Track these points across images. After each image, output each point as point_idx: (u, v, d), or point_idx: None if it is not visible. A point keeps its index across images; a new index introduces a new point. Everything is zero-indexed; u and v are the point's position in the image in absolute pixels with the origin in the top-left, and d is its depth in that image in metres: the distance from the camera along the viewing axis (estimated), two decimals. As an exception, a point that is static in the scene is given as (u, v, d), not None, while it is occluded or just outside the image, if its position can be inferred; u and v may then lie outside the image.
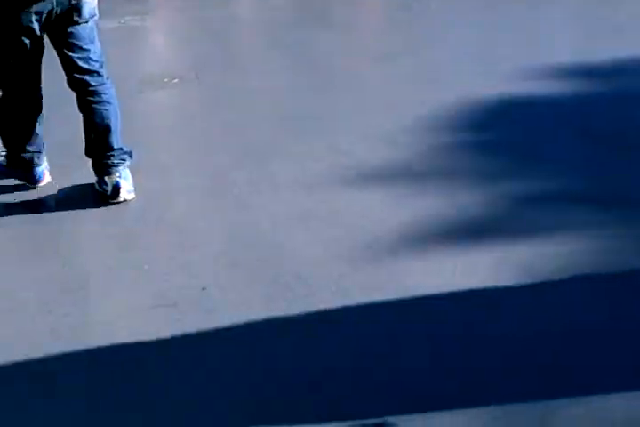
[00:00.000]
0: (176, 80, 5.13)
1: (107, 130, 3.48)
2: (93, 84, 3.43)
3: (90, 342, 2.53)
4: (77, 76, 3.41)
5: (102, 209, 3.52)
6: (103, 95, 3.46)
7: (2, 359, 2.48)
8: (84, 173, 3.62)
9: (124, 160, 3.55)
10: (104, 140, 3.50)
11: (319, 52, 5.67)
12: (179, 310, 2.66)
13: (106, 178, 3.50)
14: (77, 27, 3.33)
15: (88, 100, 3.45)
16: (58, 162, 3.77)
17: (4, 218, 3.49)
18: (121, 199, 3.47)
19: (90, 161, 3.57)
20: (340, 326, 2.55)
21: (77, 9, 3.28)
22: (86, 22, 3.34)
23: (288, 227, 3.21)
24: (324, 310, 2.61)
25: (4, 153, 3.72)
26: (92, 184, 3.57)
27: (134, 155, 3.59)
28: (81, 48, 3.37)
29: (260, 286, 2.78)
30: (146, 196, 3.56)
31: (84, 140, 3.55)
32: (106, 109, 3.47)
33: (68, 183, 3.71)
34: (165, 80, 5.15)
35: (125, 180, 3.50)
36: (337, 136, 4.09)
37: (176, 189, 3.65)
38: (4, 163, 3.73)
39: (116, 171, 3.50)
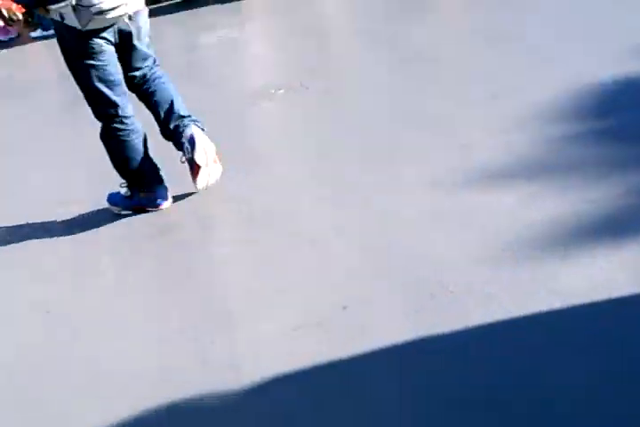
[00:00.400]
0: (282, 90, 5.13)
1: (170, 102, 3.68)
2: (148, 74, 3.72)
3: (241, 369, 2.53)
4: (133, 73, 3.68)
5: (231, 230, 3.54)
6: (155, 74, 3.73)
7: (155, 394, 2.50)
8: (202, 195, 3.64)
9: (194, 121, 3.71)
10: (171, 111, 3.68)
11: (421, 43, 5.54)
12: (324, 330, 2.63)
13: (182, 139, 3.65)
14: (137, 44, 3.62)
15: (145, 83, 3.72)
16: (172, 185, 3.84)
17: (139, 245, 3.55)
18: (202, 159, 3.64)
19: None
20: (496, 336, 2.45)
21: (137, 34, 3.56)
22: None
23: (421, 230, 3.13)
24: (474, 322, 2.51)
25: (125, 184, 3.78)
26: (216, 206, 3.58)
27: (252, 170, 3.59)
28: (141, 58, 3.67)
29: (403, 298, 2.72)
30: (274, 210, 3.55)
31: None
32: (163, 83, 3.72)
33: (190, 204, 3.76)
34: (272, 91, 5.15)
35: (200, 135, 3.65)
36: (458, 131, 3.98)
37: (304, 200, 3.63)
38: (128, 193, 3.79)
39: (189, 128, 3.66)
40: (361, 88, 4.94)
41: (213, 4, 8.08)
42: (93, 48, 3.43)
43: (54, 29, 3.53)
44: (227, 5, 7.93)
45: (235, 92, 5.38)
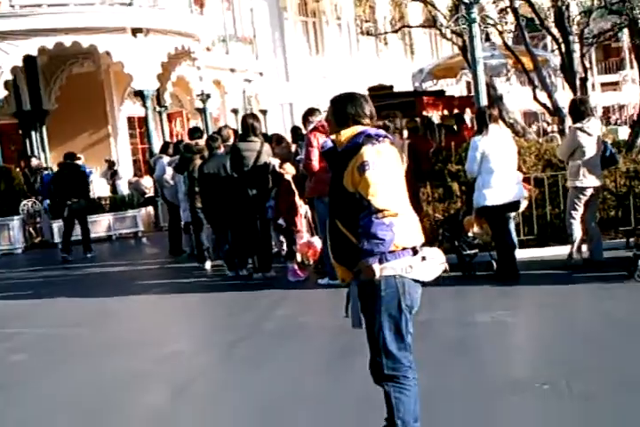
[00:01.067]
0: (546, 386, 5.07)
1: None
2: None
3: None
4: None
5: None
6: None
7: None
8: None
9: None
10: None
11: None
12: None
13: None
14: None
15: None
16: None
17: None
18: None
19: None
20: None
21: None
22: None
23: None
24: None
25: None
26: None
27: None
28: None
29: None
30: None
31: None
32: None
33: None
34: (536, 385, 5.10)
35: None
36: None
37: None
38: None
39: None
40: (628, 397, 4.77)
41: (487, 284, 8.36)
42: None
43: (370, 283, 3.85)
44: (503, 288, 8.16)
45: (494, 377, 5.39)
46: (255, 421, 4.98)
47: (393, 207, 3.76)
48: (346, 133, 3.95)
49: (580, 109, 8.76)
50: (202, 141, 11.79)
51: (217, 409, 5.34)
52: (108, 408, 5.47)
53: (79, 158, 15.75)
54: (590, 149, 8.58)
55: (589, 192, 8.64)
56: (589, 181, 8.59)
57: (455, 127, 17.06)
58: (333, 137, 4.00)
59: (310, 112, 9.81)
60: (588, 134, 8.56)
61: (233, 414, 5.18)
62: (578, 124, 8.65)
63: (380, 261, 3.77)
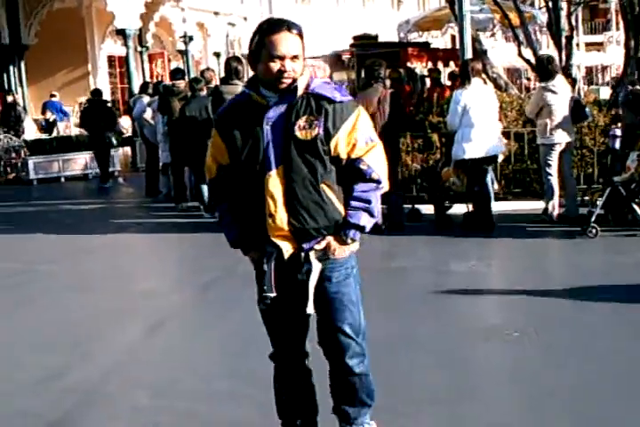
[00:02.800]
0: (516, 334, 5.18)
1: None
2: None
3: None
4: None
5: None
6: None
7: None
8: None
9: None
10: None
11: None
12: None
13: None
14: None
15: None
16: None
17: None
18: None
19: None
20: None
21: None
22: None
23: None
24: None
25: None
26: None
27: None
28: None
29: None
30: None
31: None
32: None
33: None
34: (506, 332, 5.21)
35: None
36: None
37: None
38: None
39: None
40: (588, 346, 4.88)
41: (463, 235, 8.46)
42: None
43: None
44: (478, 239, 8.26)
45: (469, 325, 5.49)
46: (226, 360, 5.04)
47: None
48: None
49: (547, 68, 8.78)
50: (183, 83, 11.69)
51: (189, 347, 5.39)
52: (82, 344, 5.50)
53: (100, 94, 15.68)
54: (558, 107, 8.63)
55: (559, 148, 8.71)
56: (558, 137, 8.66)
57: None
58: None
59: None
60: (554, 93, 8.60)
61: (205, 352, 5.24)
62: (543, 84, 8.69)
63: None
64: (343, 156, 3.28)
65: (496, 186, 9.29)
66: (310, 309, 3.32)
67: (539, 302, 5.99)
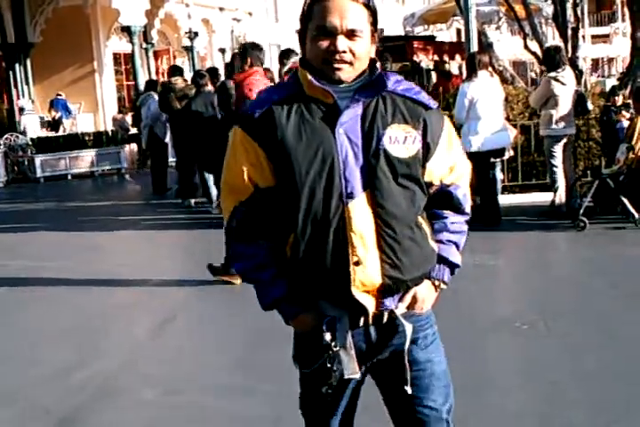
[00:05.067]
0: (525, 326, 5.18)
1: None
2: None
3: None
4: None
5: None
6: None
7: None
8: None
9: None
10: None
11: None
12: None
13: None
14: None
15: None
16: None
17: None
18: None
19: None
20: None
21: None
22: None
23: None
24: None
25: None
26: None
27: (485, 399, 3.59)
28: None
29: None
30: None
31: None
32: None
33: None
34: (516, 325, 5.21)
35: None
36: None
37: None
38: None
39: None
40: (610, 339, 4.88)
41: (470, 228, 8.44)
42: None
43: None
44: (486, 233, 8.26)
45: (477, 318, 5.49)
46: (236, 354, 5.05)
47: None
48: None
49: (554, 58, 8.76)
50: (180, 80, 11.63)
51: (199, 342, 5.41)
52: (92, 340, 5.52)
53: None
54: (563, 98, 8.61)
55: (563, 140, 8.70)
56: (562, 129, 8.65)
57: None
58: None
59: (286, 54, 9.58)
60: (562, 84, 8.58)
61: (215, 347, 5.25)
62: (552, 74, 8.67)
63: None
64: (436, 182, 2.45)
65: (501, 176, 9.28)
66: (409, 388, 2.43)
67: (546, 295, 5.99)
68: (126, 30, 19.45)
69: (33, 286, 7.11)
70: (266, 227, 2.41)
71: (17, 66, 21.11)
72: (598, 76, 27.81)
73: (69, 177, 16.39)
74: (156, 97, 12.92)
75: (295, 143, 2.30)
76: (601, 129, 9.50)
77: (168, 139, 12.18)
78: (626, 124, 8.39)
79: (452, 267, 2.53)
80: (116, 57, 23.45)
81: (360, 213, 2.29)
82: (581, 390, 4.15)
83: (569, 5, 13.93)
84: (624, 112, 8.95)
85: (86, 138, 17.12)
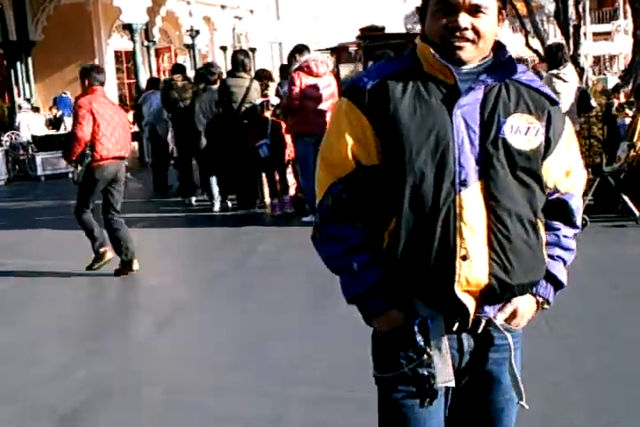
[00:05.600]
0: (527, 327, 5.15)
1: None
2: None
3: None
4: None
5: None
6: None
7: None
8: None
9: None
10: None
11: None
12: None
13: None
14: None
15: None
16: None
17: None
18: None
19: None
20: None
21: None
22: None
23: None
24: None
25: None
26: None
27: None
28: None
29: None
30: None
31: None
32: None
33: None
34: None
35: None
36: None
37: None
38: None
39: None
40: (614, 340, 4.86)
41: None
42: None
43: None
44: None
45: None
46: (237, 354, 5.04)
47: None
48: None
49: (556, 56, 8.74)
50: (180, 78, 11.58)
51: (200, 341, 5.40)
52: (94, 339, 5.52)
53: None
54: (565, 95, 8.59)
55: None
56: None
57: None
58: None
59: (299, 50, 9.53)
60: (564, 81, 8.57)
61: (216, 346, 5.24)
62: (554, 71, 8.65)
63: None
64: (550, 184, 2.23)
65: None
66: (524, 403, 2.23)
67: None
68: (128, 28, 19.44)
69: (33, 285, 7.10)
70: (364, 209, 2.17)
71: (18, 64, 21.11)
72: (600, 74, 27.79)
73: (70, 175, 16.36)
74: (159, 95, 12.92)
75: (409, 120, 2.10)
76: (603, 126, 9.48)
77: (170, 137, 12.16)
78: (628, 121, 8.38)
79: (558, 287, 2.29)
80: (118, 55, 23.46)
81: (472, 204, 2.08)
82: (582, 391, 4.14)
83: (571, 2, 13.93)
84: (627, 110, 8.94)
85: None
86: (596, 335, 4.99)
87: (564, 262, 2.30)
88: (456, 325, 2.15)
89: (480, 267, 2.09)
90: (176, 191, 12.18)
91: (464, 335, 2.19)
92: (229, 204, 10.31)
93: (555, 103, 2.21)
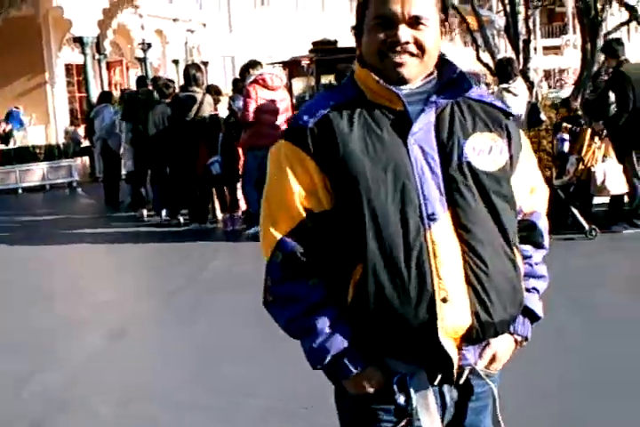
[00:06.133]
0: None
1: None
2: None
3: None
4: None
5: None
6: None
7: None
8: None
9: None
10: None
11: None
12: None
13: None
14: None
15: None
16: None
17: None
18: None
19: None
20: None
21: None
22: None
23: None
24: None
25: None
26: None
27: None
28: None
29: None
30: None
31: None
32: None
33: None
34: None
35: None
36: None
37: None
38: None
39: None
40: (559, 350, 4.89)
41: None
42: None
43: None
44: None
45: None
46: (189, 369, 4.98)
47: None
48: None
49: (506, 70, 8.85)
50: (146, 91, 11.58)
51: (152, 355, 5.34)
52: (44, 352, 5.43)
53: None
54: (516, 109, 8.68)
55: None
56: None
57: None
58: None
59: (251, 64, 9.71)
60: (514, 95, 8.67)
61: (168, 361, 5.18)
62: (504, 85, 8.75)
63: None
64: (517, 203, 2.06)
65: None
66: None
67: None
68: (78, 41, 19.28)
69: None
70: (321, 262, 1.94)
71: (-34, 77, 20.80)
72: (550, 87, 28.20)
73: (20, 191, 16.15)
74: (111, 109, 12.82)
75: (361, 157, 1.89)
76: (552, 140, 9.58)
77: (124, 149, 12.06)
78: (566, 136, 8.50)
79: (535, 320, 2.10)
80: (69, 68, 23.22)
81: (444, 238, 1.88)
82: (541, 407, 4.13)
83: (521, 17, 14.13)
84: (565, 124, 9.09)
85: (37, 151, 16.89)
86: (554, 349, 4.98)
87: (538, 292, 2.13)
88: (438, 377, 1.93)
89: (462, 308, 1.88)
90: (127, 206, 12.08)
91: (445, 387, 1.97)
92: (181, 219, 10.23)
93: (510, 116, 2.06)
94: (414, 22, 1.91)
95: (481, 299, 1.89)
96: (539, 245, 2.12)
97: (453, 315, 1.86)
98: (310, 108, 1.99)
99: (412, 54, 1.92)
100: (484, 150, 1.94)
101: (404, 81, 1.94)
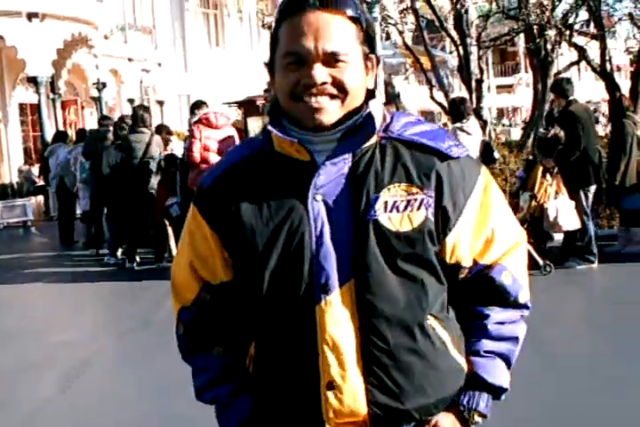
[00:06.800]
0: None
1: None
2: None
3: None
4: None
5: None
6: None
7: None
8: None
9: None
10: None
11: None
12: None
13: None
14: None
15: None
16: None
17: None
18: None
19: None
20: None
21: None
22: None
23: None
24: None
25: None
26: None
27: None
28: None
29: None
30: None
31: None
32: None
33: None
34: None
35: None
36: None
37: None
38: None
39: None
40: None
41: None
42: None
43: None
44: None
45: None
46: (144, 408, 4.92)
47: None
48: None
49: (459, 109, 8.98)
50: (110, 129, 11.51)
51: (107, 396, 5.26)
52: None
53: None
54: (470, 148, 8.80)
55: None
56: None
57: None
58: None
59: (197, 105, 9.88)
60: (468, 133, 8.80)
61: (123, 401, 5.11)
62: (458, 124, 8.88)
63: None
64: (466, 262, 1.77)
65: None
66: None
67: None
68: (32, 81, 19.18)
69: None
70: (222, 331, 1.83)
71: None
72: (503, 126, 28.66)
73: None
74: (65, 148, 12.76)
75: (252, 220, 1.69)
76: (506, 178, 9.73)
77: (79, 188, 11.96)
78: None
79: (494, 391, 1.79)
80: (22, 107, 23.06)
81: (337, 315, 1.65)
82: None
83: (473, 58, 14.39)
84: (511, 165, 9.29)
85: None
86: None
87: (502, 357, 1.81)
88: None
89: (352, 395, 1.66)
90: (83, 245, 11.97)
91: None
92: (137, 258, 10.15)
93: (448, 157, 1.71)
94: (331, 59, 1.64)
95: (382, 384, 1.67)
96: (505, 303, 1.83)
97: (342, 403, 1.67)
98: (215, 166, 1.83)
99: (331, 96, 1.66)
100: (398, 206, 1.66)
101: (323, 128, 1.68)
